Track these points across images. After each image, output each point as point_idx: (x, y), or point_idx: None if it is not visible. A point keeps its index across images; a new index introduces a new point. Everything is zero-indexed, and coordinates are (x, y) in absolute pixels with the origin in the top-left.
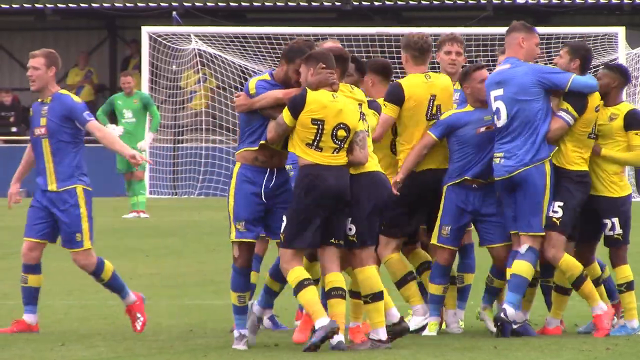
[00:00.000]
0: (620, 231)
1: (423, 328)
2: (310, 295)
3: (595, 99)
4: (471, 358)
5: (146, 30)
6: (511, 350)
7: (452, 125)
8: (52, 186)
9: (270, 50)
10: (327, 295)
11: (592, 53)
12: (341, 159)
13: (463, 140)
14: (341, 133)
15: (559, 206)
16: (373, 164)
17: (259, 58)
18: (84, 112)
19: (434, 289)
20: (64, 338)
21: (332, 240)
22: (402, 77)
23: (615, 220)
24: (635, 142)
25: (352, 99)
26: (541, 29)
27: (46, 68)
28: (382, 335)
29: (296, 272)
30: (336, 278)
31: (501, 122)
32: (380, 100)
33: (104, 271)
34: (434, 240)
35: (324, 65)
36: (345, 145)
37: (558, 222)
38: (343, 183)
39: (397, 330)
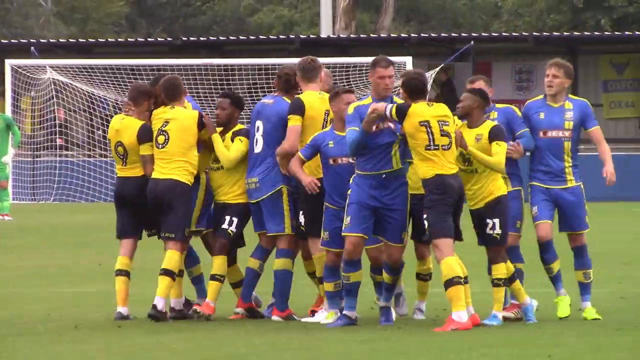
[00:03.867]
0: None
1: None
2: None
3: (417, 115)
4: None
5: (9, 63)
6: None
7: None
8: None
9: (113, 79)
10: None
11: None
12: (128, 170)
13: None
14: (120, 149)
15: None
16: None
17: (104, 85)
18: None
19: None
20: None
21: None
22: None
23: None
24: (494, 150)
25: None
26: (341, 59)
27: None
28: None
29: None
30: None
31: None
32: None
33: None
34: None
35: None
36: (130, 158)
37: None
38: (125, 189)
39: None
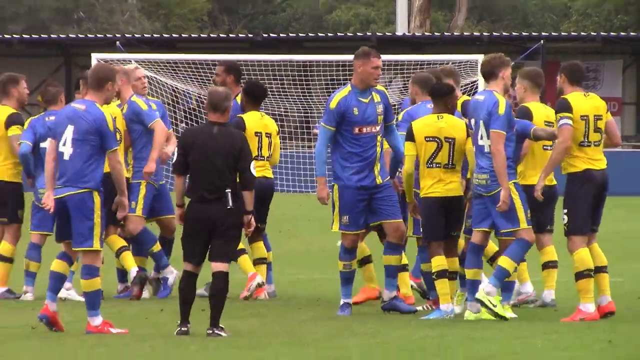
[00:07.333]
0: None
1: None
2: None
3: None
4: None
5: (95, 57)
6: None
7: None
8: None
9: (196, 73)
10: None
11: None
12: None
13: None
14: None
15: None
16: None
17: (187, 80)
18: None
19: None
20: None
21: None
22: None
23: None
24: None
25: None
26: (416, 57)
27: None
28: None
29: None
30: None
31: None
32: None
33: None
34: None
35: None
36: None
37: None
38: None
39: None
